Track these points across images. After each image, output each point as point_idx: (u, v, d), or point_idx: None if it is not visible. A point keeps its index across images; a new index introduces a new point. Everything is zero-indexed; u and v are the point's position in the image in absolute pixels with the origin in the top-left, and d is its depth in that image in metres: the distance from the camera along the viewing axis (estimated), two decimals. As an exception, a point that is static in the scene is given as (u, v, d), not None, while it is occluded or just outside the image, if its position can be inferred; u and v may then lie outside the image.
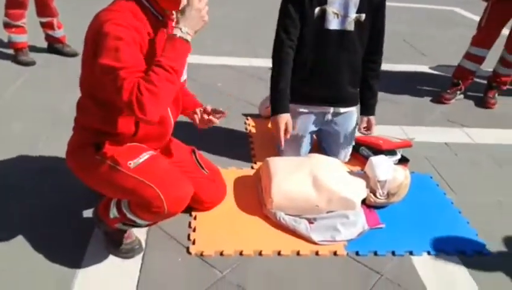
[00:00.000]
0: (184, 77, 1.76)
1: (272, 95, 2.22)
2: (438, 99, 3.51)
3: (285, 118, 2.20)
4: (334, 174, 2.06)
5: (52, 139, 2.47)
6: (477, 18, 3.51)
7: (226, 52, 4.17)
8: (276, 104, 2.21)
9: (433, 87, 3.79)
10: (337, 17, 2.11)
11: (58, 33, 3.67)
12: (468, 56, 3.49)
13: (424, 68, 4.30)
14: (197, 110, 1.95)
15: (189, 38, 1.45)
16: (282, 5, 2.18)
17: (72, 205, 2.00)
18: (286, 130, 2.20)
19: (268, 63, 3.23)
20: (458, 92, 3.54)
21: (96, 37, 1.42)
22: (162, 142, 1.82)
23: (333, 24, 2.12)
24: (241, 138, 2.76)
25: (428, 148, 2.75)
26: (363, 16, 2.13)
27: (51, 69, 3.50)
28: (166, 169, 1.65)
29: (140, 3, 1.51)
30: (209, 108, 1.93)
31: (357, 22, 2.13)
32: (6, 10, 3.37)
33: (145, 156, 1.61)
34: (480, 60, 3.45)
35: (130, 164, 1.56)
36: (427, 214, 2.13)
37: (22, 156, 2.32)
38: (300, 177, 2.01)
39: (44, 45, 3.76)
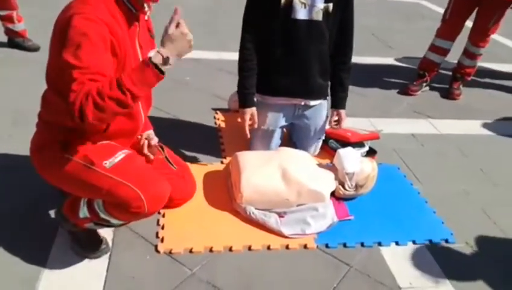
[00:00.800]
0: None
1: (238, 90, 2.26)
2: (405, 91, 3.57)
3: (249, 111, 2.23)
4: (303, 167, 2.07)
5: (14, 138, 2.38)
6: (442, 11, 3.58)
7: (195, 45, 4.10)
8: (242, 99, 2.25)
9: (400, 79, 3.85)
10: (305, 7, 2.09)
11: (18, 27, 3.52)
12: (433, 48, 3.56)
13: (391, 61, 4.37)
14: (144, 137, 1.91)
15: (165, 68, 1.37)
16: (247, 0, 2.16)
17: (35, 204, 1.93)
18: (252, 122, 2.24)
19: (236, 56, 3.20)
20: (424, 84, 3.61)
21: (65, 28, 1.37)
22: (132, 138, 1.78)
23: (301, 14, 2.10)
24: (210, 132, 2.73)
25: (396, 140, 2.80)
26: (331, 6, 2.12)
27: (12, 64, 3.36)
28: (143, 168, 1.63)
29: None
30: (153, 142, 1.91)
31: (325, 12, 2.12)
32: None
33: (120, 155, 1.57)
34: (444, 52, 3.53)
35: (105, 163, 1.52)
36: (394, 205, 2.16)
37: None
38: (270, 171, 2.01)
39: (4, 39, 3.61)
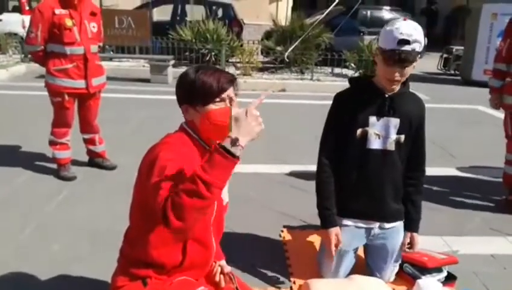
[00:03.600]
0: (226, 200, 1.78)
1: (319, 212, 2.27)
2: (504, 209, 3.40)
3: (334, 231, 2.23)
4: (380, 298, 1.96)
5: (92, 259, 2.46)
6: (500, 115, 3.54)
7: (254, 159, 4.23)
8: (324, 220, 2.25)
9: (468, 191, 3.74)
10: (379, 138, 2.18)
11: (99, 148, 3.86)
12: (509, 163, 3.46)
13: (456, 171, 4.28)
14: (217, 265, 1.90)
15: (238, 151, 1.36)
16: (327, 124, 2.28)
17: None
18: (337, 242, 2.23)
19: (297, 168, 3.24)
20: None
21: (150, 166, 1.49)
22: (205, 268, 1.79)
23: (375, 144, 2.18)
24: (276, 250, 2.70)
25: (474, 262, 2.62)
26: (403, 137, 2.19)
27: (91, 183, 3.61)
28: None
29: (189, 135, 1.63)
30: (226, 269, 1.89)
31: (397, 142, 2.20)
32: (52, 129, 3.61)
33: None
34: None
35: None
36: None
37: (60, 280, 2.31)
38: (346, 303, 1.92)
39: (85, 158, 3.93)
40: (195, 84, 1.60)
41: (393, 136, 2.17)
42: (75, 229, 2.83)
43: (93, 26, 3.52)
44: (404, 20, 2.06)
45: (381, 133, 2.17)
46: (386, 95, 2.15)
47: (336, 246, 2.22)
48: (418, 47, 2.01)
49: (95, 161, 3.88)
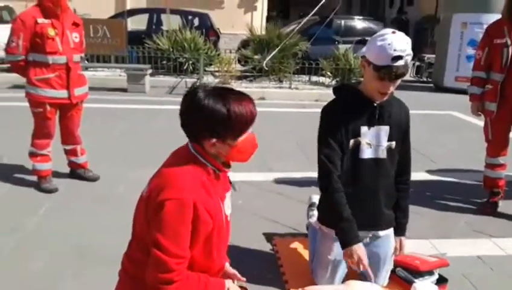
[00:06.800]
0: (229, 211, 1.77)
1: (339, 225, 2.14)
2: (484, 211, 3.49)
3: (360, 248, 2.09)
4: (378, 303, 1.97)
5: (77, 276, 2.34)
6: (474, 120, 3.62)
7: (240, 167, 4.21)
8: (348, 235, 2.10)
9: (450, 194, 3.83)
10: (371, 147, 2.19)
11: (81, 159, 3.76)
12: (489, 166, 3.53)
13: (437, 176, 4.37)
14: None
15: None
16: (322, 137, 2.21)
17: None
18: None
19: (282, 175, 3.19)
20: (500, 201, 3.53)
21: (155, 209, 1.44)
22: None
23: (367, 153, 2.19)
24: (269, 260, 2.68)
25: (462, 264, 2.68)
26: (394, 143, 2.22)
27: (73, 195, 3.51)
28: None
29: (199, 163, 1.54)
30: (230, 271, 1.88)
31: (389, 149, 2.22)
32: (33, 140, 3.50)
33: None
34: (502, 167, 3.48)
35: None
36: None
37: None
38: (345, 309, 1.92)
39: (67, 170, 3.83)
40: (231, 119, 1.47)
41: (384, 143, 2.19)
42: (59, 244, 2.73)
43: (75, 37, 3.48)
44: (393, 33, 2.03)
45: (372, 142, 2.18)
46: (375, 104, 2.17)
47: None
48: (410, 58, 2.03)
49: (77, 172, 3.78)
